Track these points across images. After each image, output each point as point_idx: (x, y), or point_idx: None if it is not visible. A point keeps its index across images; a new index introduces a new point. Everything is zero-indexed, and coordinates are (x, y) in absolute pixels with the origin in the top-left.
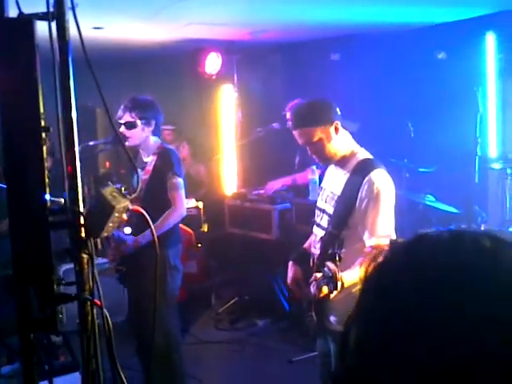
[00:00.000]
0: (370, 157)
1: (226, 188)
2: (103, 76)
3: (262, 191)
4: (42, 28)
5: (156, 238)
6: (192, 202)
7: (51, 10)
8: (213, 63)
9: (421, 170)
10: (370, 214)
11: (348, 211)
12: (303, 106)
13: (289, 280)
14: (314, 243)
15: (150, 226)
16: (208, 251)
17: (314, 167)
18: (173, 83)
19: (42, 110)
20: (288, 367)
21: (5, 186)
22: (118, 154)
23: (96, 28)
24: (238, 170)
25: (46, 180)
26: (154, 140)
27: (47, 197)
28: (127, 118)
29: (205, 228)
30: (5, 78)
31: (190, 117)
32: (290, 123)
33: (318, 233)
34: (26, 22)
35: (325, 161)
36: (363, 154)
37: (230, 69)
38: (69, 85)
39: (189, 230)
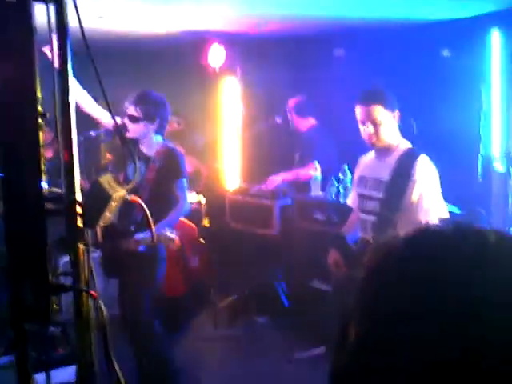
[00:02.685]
0: (411, 146)
1: (228, 182)
2: (106, 66)
3: (263, 186)
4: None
5: (154, 233)
6: (193, 196)
7: None
8: (216, 55)
9: None
10: (424, 196)
11: (400, 194)
12: (374, 86)
13: (329, 260)
14: (363, 227)
15: (147, 218)
16: (209, 246)
17: (316, 163)
18: (175, 75)
19: (38, 95)
20: (286, 365)
21: None
22: (117, 145)
23: (99, 17)
24: (240, 165)
25: (43, 167)
26: (156, 138)
27: (44, 184)
28: (131, 111)
29: (206, 222)
30: (1, 61)
31: (192, 108)
32: (357, 99)
33: (367, 218)
34: (23, 5)
35: (376, 142)
36: (405, 143)
37: (234, 61)
38: (66, 69)
39: (192, 224)
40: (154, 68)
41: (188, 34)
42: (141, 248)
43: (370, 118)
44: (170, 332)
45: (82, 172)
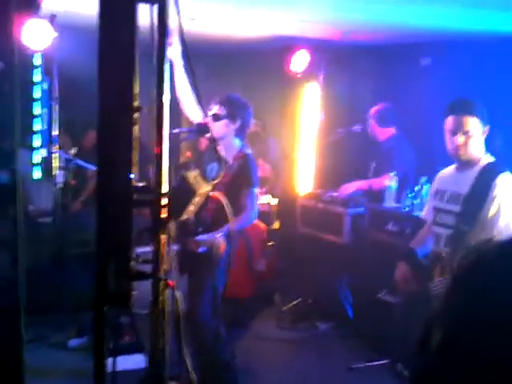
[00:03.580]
0: (494, 160)
1: (301, 187)
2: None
3: (336, 193)
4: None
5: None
6: (266, 198)
7: None
8: (301, 61)
9: None
10: (502, 213)
11: (478, 209)
12: (469, 97)
13: (398, 275)
14: (437, 241)
15: (226, 217)
16: (277, 249)
17: (392, 174)
18: (259, 78)
19: (136, 91)
20: (346, 374)
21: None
22: (198, 145)
23: (191, 19)
24: (314, 170)
25: (135, 159)
26: (236, 142)
27: (132, 176)
28: (215, 109)
29: (276, 225)
30: (105, 56)
31: (272, 113)
32: (449, 109)
33: (442, 231)
34: (129, 5)
35: (462, 155)
36: (488, 157)
37: (318, 67)
38: (163, 68)
39: (262, 226)
40: (237, 71)
41: (275, 39)
42: (200, 249)
43: (462, 129)
44: (233, 331)
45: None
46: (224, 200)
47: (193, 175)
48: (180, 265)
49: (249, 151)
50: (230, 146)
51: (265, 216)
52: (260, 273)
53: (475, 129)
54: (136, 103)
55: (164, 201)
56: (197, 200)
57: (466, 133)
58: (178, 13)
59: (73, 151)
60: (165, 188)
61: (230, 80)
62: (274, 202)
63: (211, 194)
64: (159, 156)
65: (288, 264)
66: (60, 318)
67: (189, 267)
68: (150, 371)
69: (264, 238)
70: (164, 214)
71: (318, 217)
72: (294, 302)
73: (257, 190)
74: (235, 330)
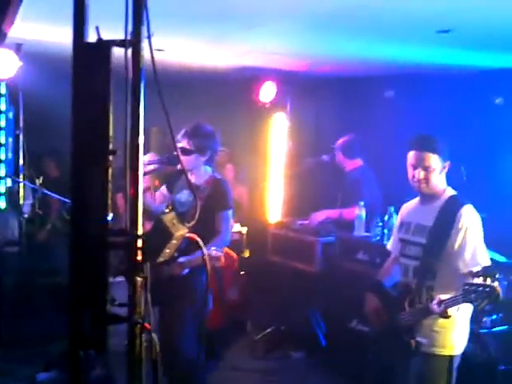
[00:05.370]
0: (456, 193)
1: (271, 215)
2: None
3: (306, 222)
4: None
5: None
6: (236, 227)
7: (128, 37)
8: (268, 91)
9: None
10: (467, 243)
11: (444, 241)
12: (432, 134)
13: (367, 308)
14: (405, 272)
15: (202, 252)
16: (248, 277)
17: (362, 203)
18: (227, 107)
19: (111, 133)
20: None
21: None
22: (167, 175)
23: (157, 50)
24: (283, 199)
25: (109, 201)
26: (205, 169)
27: (109, 217)
28: (185, 144)
29: (246, 253)
30: (80, 99)
31: (240, 141)
32: (411, 144)
33: (409, 263)
34: (104, 48)
35: (424, 189)
36: (450, 190)
37: (284, 98)
38: (139, 110)
39: (234, 254)
40: (206, 100)
41: (243, 70)
42: (185, 271)
43: (423, 165)
44: (206, 361)
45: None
46: (200, 240)
47: (169, 218)
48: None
49: (220, 176)
50: (200, 174)
51: (235, 244)
52: (232, 302)
53: (436, 164)
54: (111, 146)
55: (139, 243)
56: (173, 243)
57: (426, 168)
58: (152, 56)
59: (38, 181)
60: (140, 230)
61: (198, 109)
62: (244, 230)
63: (188, 235)
64: (134, 198)
65: (259, 292)
66: (27, 352)
67: (164, 298)
68: None
69: (235, 266)
70: (139, 257)
71: (289, 245)
72: (267, 331)
73: (231, 213)
74: (209, 361)
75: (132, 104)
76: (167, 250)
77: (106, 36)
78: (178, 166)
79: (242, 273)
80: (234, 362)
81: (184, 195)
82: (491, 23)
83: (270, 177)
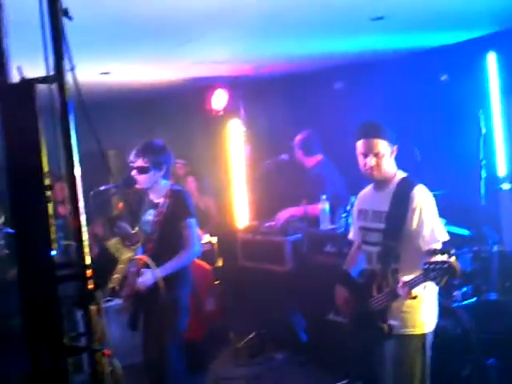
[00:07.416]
0: (407, 175)
1: (238, 221)
2: (113, 119)
3: (273, 223)
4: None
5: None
6: (206, 238)
7: (51, 73)
8: (219, 99)
9: None
10: (424, 222)
11: (401, 223)
12: (377, 121)
13: (338, 300)
14: (369, 259)
15: (154, 273)
16: (224, 286)
17: (324, 197)
18: (182, 120)
19: (45, 170)
20: None
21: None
22: (127, 197)
23: (103, 73)
24: (249, 203)
25: (53, 236)
26: (164, 183)
27: (53, 252)
28: (140, 163)
29: (219, 263)
30: (9, 141)
31: (199, 152)
32: (359, 133)
33: (372, 249)
34: (27, 87)
35: (376, 175)
36: (401, 173)
37: (237, 104)
38: (70, 143)
39: (206, 265)
40: (161, 116)
41: (193, 81)
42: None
43: (372, 151)
44: (191, 375)
45: (97, 221)
46: (148, 260)
47: (113, 243)
48: (133, 323)
49: (178, 187)
50: (159, 189)
51: (207, 255)
52: (210, 312)
53: (385, 150)
54: (47, 181)
55: (89, 272)
56: (120, 267)
57: (376, 154)
58: (78, 89)
59: (1, 220)
60: (88, 260)
61: (154, 125)
62: (214, 240)
63: (137, 257)
64: (78, 229)
65: (237, 299)
66: None
67: (147, 321)
68: None
69: (210, 277)
70: (90, 286)
71: (259, 248)
72: (249, 337)
73: (194, 221)
74: (194, 375)
75: (63, 137)
76: (116, 275)
77: (32, 72)
78: (137, 187)
79: (216, 282)
80: (220, 373)
81: (150, 215)
82: (423, 4)
83: (233, 183)
